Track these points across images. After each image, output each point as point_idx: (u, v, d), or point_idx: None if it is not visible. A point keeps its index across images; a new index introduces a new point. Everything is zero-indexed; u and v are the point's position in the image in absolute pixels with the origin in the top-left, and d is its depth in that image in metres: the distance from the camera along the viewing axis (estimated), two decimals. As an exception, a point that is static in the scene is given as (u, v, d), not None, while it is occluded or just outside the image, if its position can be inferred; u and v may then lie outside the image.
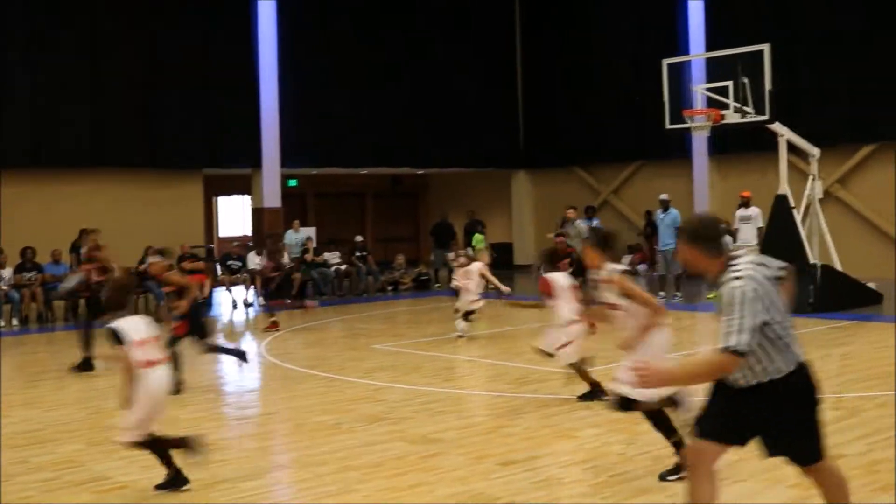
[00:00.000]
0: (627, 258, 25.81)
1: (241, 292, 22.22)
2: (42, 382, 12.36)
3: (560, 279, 9.99)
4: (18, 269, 19.83)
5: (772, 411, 4.87)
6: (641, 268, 24.40)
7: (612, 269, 7.42)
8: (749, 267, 4.76)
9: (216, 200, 31.29)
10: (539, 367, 11.89)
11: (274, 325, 17.16)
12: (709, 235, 4.97)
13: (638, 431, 8.35)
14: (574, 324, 9.60)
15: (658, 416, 7.12)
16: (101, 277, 13.17)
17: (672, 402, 7.17)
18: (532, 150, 29.97)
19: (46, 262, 20.44)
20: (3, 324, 18.75)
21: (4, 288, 19.31)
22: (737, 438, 5.04)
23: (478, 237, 25.10)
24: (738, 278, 4.69)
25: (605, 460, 7.49)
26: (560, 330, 9.79)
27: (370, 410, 9.74)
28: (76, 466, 7.97)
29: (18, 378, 12.92)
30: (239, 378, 12.66)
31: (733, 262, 4.82)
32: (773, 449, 5.02)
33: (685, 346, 13.99)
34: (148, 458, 7.28)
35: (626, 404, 7.04)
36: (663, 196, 21.10)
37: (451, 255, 22.92)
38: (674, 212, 20.63)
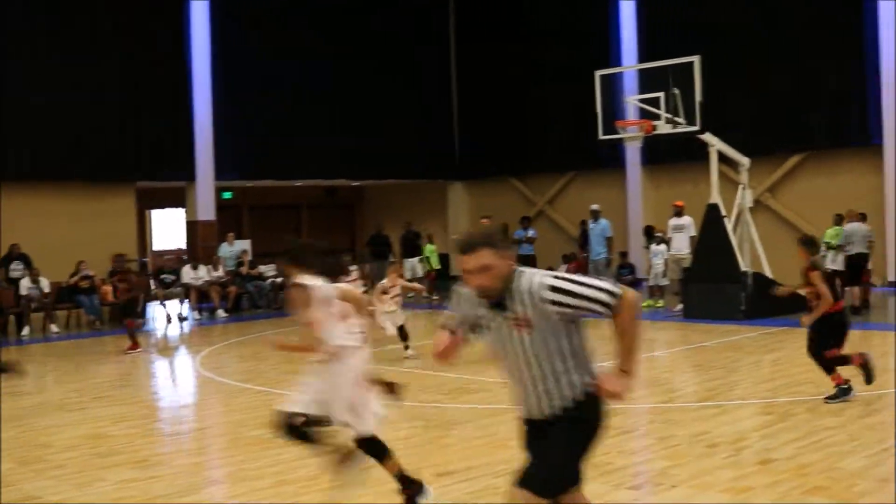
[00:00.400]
0: (563, 267, 26.04)
1: (175, 306, 21.97)
2: None
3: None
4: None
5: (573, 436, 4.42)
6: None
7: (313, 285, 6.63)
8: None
9: (149, 213, 30.93)
10: (475, 377, 11.93)
11: (134, 346, 16.04)
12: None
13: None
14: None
15: (369, 442, 6.71)
16: None
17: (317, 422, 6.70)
18: (467, 161, 30.08)
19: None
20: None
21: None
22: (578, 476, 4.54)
23: (430, 248, 25.17)
24: (544, 276, 4.37)
25: (540, 469, 7.51)
26: None
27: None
28: (7, 486, 7.82)
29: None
30: (173, 393, 12.53)
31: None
32: (534, 477, 4.37)
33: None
34: (79, 476, 7.18)
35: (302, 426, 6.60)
36: (594, 206, 21.30)
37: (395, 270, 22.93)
38: (603, 221, 20.82)
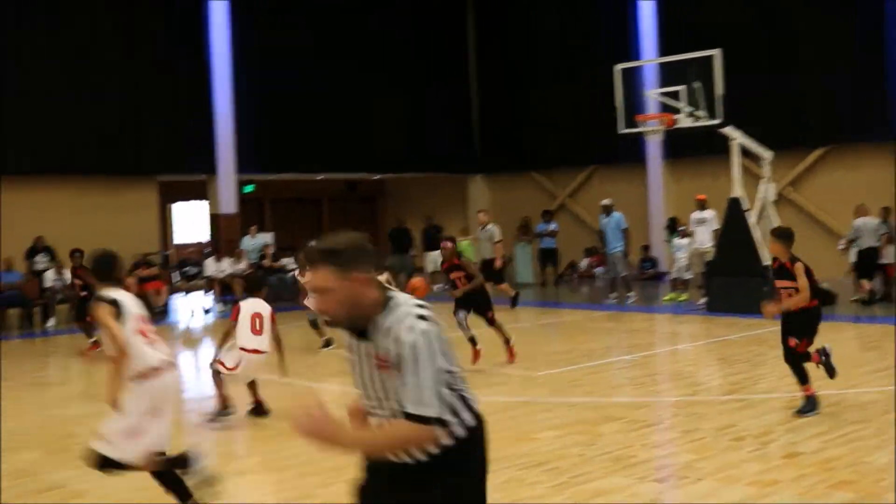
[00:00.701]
0: (586, 261, 26.04)
1: (198, 299, 22.09)
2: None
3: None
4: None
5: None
6: (599, 270, 24.61)
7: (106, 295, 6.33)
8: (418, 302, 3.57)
9: (171, 207, 31.05)
10: (499, 369, 11.97)
11: (95, 346, 14.93)
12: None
13: (598, 433, 8.43)
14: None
15: (167, 478, 6.46)
16: None
17: (179, 462, 6.51)
18: (488, 155, 30.07)
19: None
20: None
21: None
22: None
23: (464, 242, 25.05)
24: (422, 318, 3.48)
25: (564, 462, 7.54)
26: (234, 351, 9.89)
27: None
28: (33, 475, 7.91)
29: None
30: (197, 384, 12.59)
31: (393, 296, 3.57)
32: None
33: (642, 349, 14.12)
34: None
35: (104, 463, 6.39)
36: (605, 201, 21.20)
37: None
38: (617, 215, 20.75)
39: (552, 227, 24.72)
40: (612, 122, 19.06)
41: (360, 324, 3.53)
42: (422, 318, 3.46)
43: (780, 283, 8.88)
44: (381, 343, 3.49)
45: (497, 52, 29.57)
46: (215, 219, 25.69)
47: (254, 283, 10.80)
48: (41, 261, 20.85)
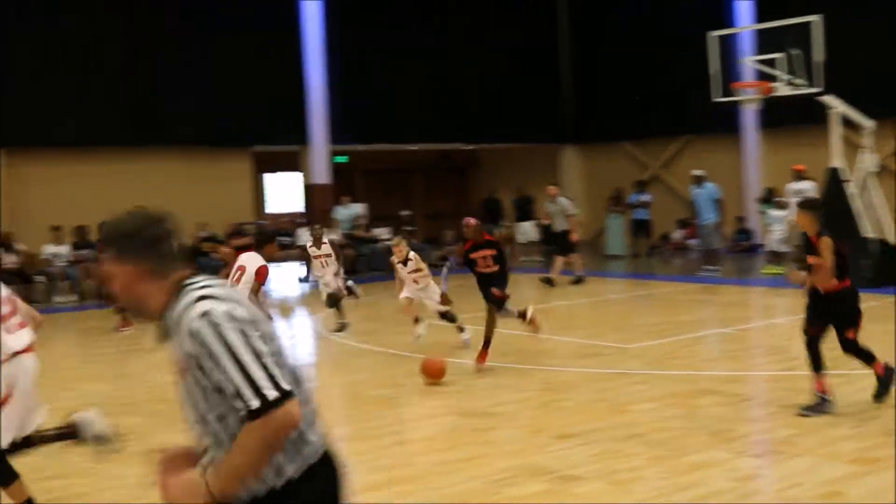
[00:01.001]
0: (679, 232, 25.74)
1: (293, 268, 22.38)
2: (100, 357, 12.57)
3: None
4: (75, 247, 20.20)
5: None
6: (693, 242, 24.29)
7: None
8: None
9: (263, 177, 31.48)
10: (591, 341, 11.93)
11: (126, 323, 14.87)
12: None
13: (695, 406, 8.36)
14: None
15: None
16: None
17: (66, 432, 6.41)
18: (580, 125, 29.85)
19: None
20: (62, 300, 19.13)
21: (62, 265, 19.68)
22: None
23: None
24: (210, 298, 2.89)
25: (661, 434, 7.49)
26: None
27: (424, 385, 9.81)
28: (139, 437, 8.12)
29: (78, 353, 13.17)
30: (293, 353, 12.79)
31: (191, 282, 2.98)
32: None
33: (737, 322, 13.95)
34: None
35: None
36: (697, 172, 20.86)
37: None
38: (710, 185, 20.38)
39: (645, 197, 24.47)
40: (706, 91, 18.74)
41: (149, 318, 3.02)
42: (208, 298, 2.87)
43: (810, 259, 8.08)
44: (176, 342, 2.92)
45: (590, 21, 29.25)
46: (308, 189, 25.98)
47: (260, 237, 10.94)
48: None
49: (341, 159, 27.87)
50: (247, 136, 24.49)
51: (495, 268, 10.98)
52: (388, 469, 6.90)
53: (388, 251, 23.23)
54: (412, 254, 12.32)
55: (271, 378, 2.80)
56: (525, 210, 26.03)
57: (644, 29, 27.25)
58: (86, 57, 22.09)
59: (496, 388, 9.54)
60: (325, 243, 14.44)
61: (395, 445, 7.53)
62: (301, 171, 26.50)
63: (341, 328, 13.88)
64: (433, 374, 9.77)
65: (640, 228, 24.75)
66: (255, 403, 2.76)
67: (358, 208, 24.79)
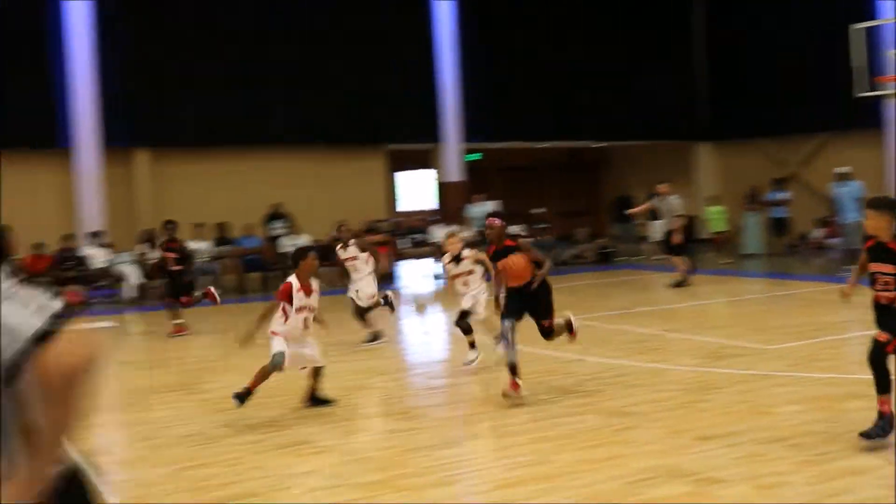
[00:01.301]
0: (819, 232, 24.99)
1: (424, 265, 22.60)
2: (242, 350, 12.84)
3: None
4: (217, 243, 20.78)
5: None
6: (834, 241, 23.55)
7: None
8: None
9: (395, 175, 31.80)
10: (731, 341, 11.68)
11: (179, 329, 14.64)
12: None
13: (842, 410, 8.09)
14: None
15: None
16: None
17: None
18: (716, 122, 29.26)
19: (240, 236, 21.37)
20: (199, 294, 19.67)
21: (204, 260, 20.25)
22: None
23: (715, 209, 24.53)
24: None
25: (807, 438, 7.25)
26: None
27: (560, 383, 9.75)
28: (279, 430, 8.28)
29: (220, 345, 13.50)
30: (428, 348, 12.88)
31: None
32: None
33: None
34: (347, 425, 7.50)
35: None
36: (842, 169, 20.19)
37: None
38: (854, 183, 19.73)
39: (783, 195, 23.83)
40: (846, 86, 18.15)
41: None
42: None
43: (875, 267, 6.92)
44: None
45: (725, 17, 28.64)
46: (441, 187, 26.14)
47: (295, 255, 9.18)
48: (278, 227, 21.79)
49: (474, 157, 27.94)
50: (381, 134, 24.78)
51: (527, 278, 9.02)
52: (526, 466, 6.86)
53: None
54: (468, 251, 10.93)
55: (38, 308, 2.63)
56: (657, 208, 25.58)
57: (782, 22, 26.55)
58: (226, 60, 22.69)
59: (631, 387, 9.41)
60: (352, 245, 12.91)
61: (532, 443, 7.49)
62: (434, 168, 26.67)
63: (373, 338, 12.70)
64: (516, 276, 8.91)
65: (779, 227, 24.13)
66: (29, 332, 2.58)
67: (491, 206, 24.77)
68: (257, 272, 21.24)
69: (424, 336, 14.58)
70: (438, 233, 22.66)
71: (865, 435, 6.87)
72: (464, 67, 25.56)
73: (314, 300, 8.93)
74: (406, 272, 22.66)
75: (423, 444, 7.57)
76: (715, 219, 24.72)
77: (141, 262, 20.02)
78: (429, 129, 25.39)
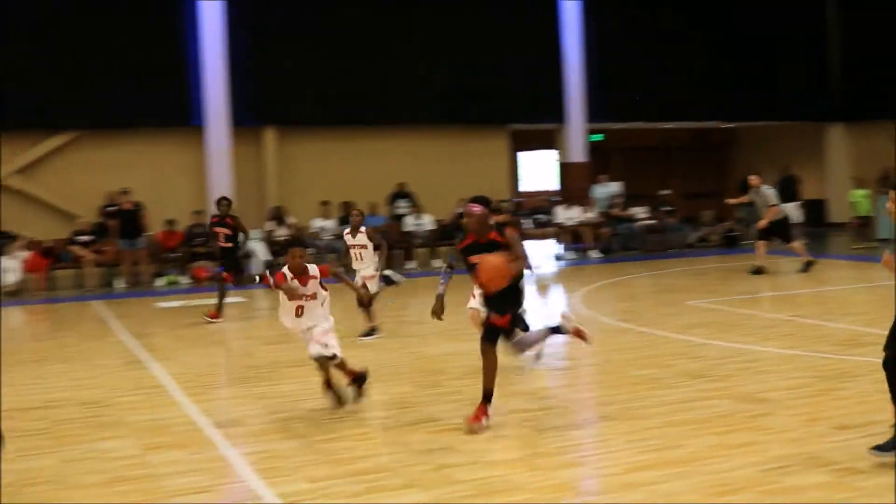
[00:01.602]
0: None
1: (548, 246, 22.54)
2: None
3: None
4: (341, 222, 21.03)
5: None
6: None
7: None
8: None
9: (518, 155, 31.74)
10: (867, 328, 11.35)
11: (213, 315, 14.04)
12: None
13: None
14: None
15: None
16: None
17: None
18: (850, 103, 28.34)
19: (365, 215, 21.59)
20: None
21: (329, 238, 20.55)
22: None
23: (859, 192, 23.77)
24: None
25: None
26: None
27: (689, 366, 9.62)
28: (407, 408, 8.35)
29: (344, 320, 13.66)
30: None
31: None
32: None
33: None
34: (475, 404, 7.49)
35: None
36: None
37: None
38: None
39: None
40: None
41: None
42: None
43: None
44: None
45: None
46: (565, 167, 25.99)
47: (287, 243, 9.25)
48: (402, 205, 21.97)
49: (597, 137, 27.69)
50: (504, 114, 24.74)
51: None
52: (658, 450, 6.77)
53: (646, 230, 23.01)
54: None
55: None
56: (790, 191, 24.94)
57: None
58: (350, 40, 22.92)
59: (764, 373, 9.23)
60: (362, 232, 12.28)
61: (664, 427, 7.39)
62: (557, 149, 26.53)
63: (370, 332, 12.15)
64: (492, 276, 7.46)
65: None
66: None
67: (615, 187, 24.56)
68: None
69: (547, 318, 14.52)
70: (562, 214, 22.60)
71: (878, 448, 6.33)
72: (587, 47, 25.31)
73: (312, 288, 8.50)
74: (530, 252, 22.62)
75: (555, 425, 7.56)
76: (859, 202, 23.88)
77: (268, 239, 20.41)
78: (552, 109, 25.26)
